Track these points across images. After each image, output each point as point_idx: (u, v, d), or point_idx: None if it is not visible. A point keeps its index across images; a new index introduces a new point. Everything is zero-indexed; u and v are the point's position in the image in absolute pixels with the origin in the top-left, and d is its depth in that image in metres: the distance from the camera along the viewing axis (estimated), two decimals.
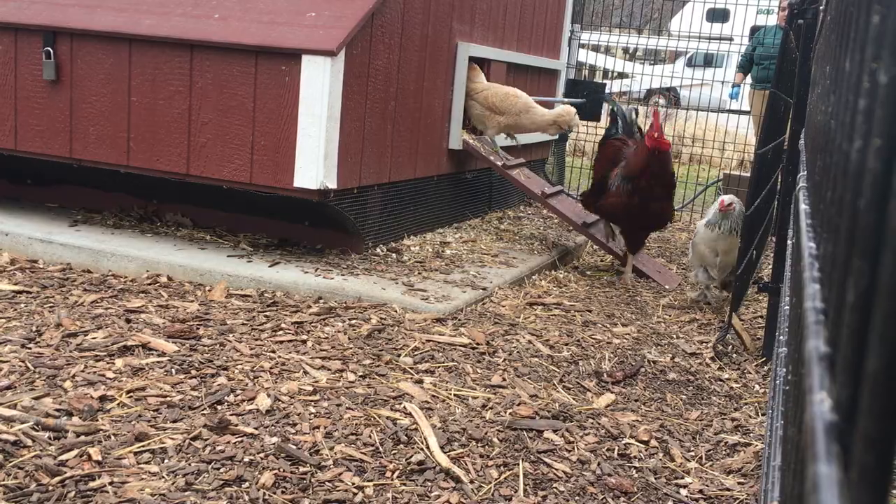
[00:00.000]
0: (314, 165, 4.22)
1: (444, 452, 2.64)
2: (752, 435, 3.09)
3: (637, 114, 5.81)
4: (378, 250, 5.00)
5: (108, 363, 3.09)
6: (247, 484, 2.34)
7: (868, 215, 0.51)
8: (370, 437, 2.70)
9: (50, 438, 2.49)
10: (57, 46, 4.64)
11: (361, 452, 2.59)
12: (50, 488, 2.23)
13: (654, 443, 2.92)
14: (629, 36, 13.78)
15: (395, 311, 3.97)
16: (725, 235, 4.62)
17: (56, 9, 4.69)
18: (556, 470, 2.63)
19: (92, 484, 2.27)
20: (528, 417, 2.98)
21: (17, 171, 5.44)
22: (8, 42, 4.75)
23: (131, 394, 2.85)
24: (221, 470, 2.40)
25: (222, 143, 4.42)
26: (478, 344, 3.68)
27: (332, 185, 4.29)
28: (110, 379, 2.95)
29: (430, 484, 2.46)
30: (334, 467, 2.49)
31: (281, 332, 3.59)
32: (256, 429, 2.66)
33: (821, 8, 3.42)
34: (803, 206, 1.24)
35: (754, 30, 10.30)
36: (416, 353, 3.50)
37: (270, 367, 3.17)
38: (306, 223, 4.97)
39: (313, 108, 4.18)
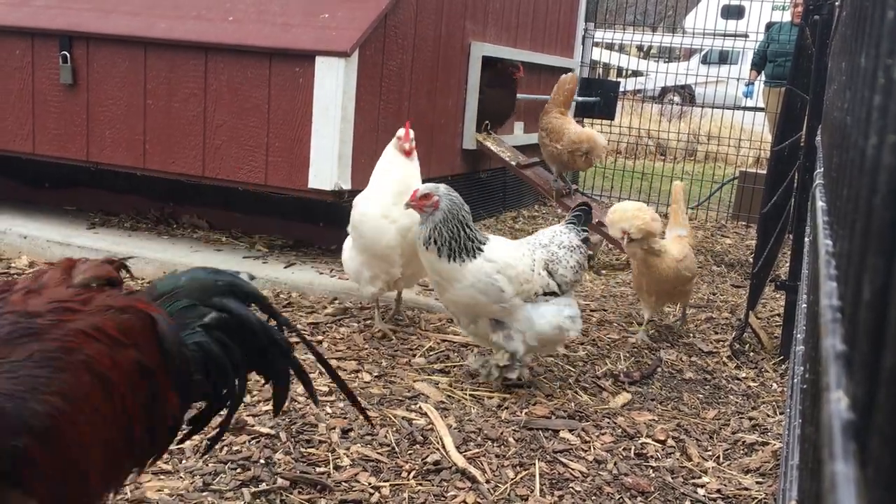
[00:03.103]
0: (328, 166, 4.24)
1: (460, 452, 2.64)
2: (770, 434, 3.07)
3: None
4: None
5: None
6: (264, 484, 2.35)
7: (884, 212, 0.51)
8: (386, 437, 2.70)
9: None
10: (73, 50, 4.68)
11: (377, 453, 2.60)
12: None
13: (670, 442, 2.91)
14: (643, 34, 13.73)
15: (411, 312, 3.97)
16: (423, 251, 2.99)
17: (72, 13, 4.73)
18: (573, 469, 2.63)
19: None
20: (543, 417, 2.97)
21: (35, 174, 5.48)
22: (25, 47, 4.79)
23: None
24: (238, 470, 2.42)
25: (237, 144, 4.43)
26: None
27: (347, 185, 4.30)
28: None
29: (446, 484, 2.46)
30: (351, 467, 2.49)
31: None
32: (273, 429, 2.67)
33: (836, 3, 3.40)
34: (820, 204, 1.23)
35: (769, 26, 10.22)
36: (431, 353, 3.50)
37: None
38: (321, 224, 4.98)
39: (327, 109, 4.19)
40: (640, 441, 2.88)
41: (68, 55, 4.67)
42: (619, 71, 15.88)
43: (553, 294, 3.11)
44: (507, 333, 3.05)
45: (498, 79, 5.79)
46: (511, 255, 3.02)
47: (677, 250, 3.90)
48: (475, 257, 2.94)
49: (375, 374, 3.21)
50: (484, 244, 2.98)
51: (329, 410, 2.86)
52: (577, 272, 3.20)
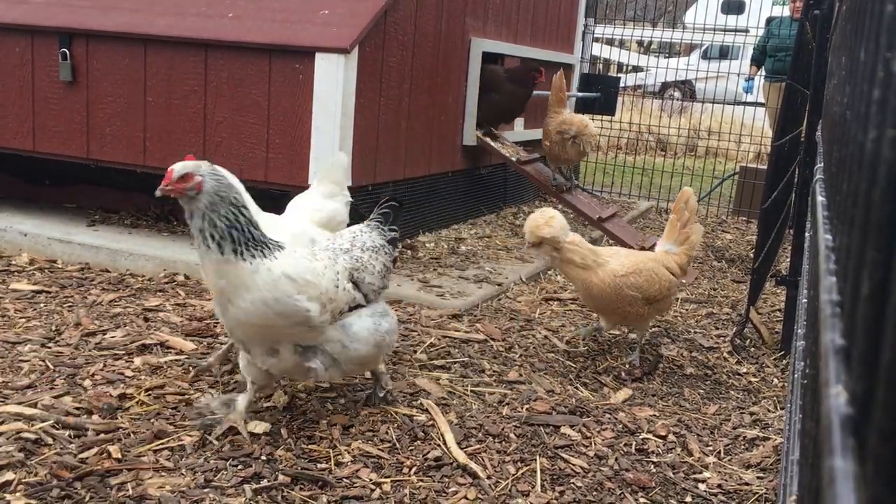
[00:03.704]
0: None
1: (461, 448, 2.64)
2: (770, 429, 3.07)
3: None
4: None
5: (126, 362, 3.11)
6: (265, 481, 2.35)
7: (883, 206, 0.51)
8: (387, 433, 2.70)
9: (70, 436, 2.51)
10: (73, 48, 4.68)
11: (378, 449, 2.60)
12: (70, 485, 2.25)
13: (671, 437, 2.91)
14: (643, 29, 13.71)
15: (411, 308, 3.97)
16: (203, 251, 2.37)
17: (72, 10, 4.73)
18: (574, 465, 2.63)
19: (112, 481, 2.29)
20: (544, 413, 2.98)
21: (35, 171, 5.48)
22: (25, 44, 4.79)
23: (150, 392, 2.87)
24: (240, 467, 2.42)
25: (237, 141, 4.43)
26: (494, 340, 3.68)
27: (347, 182, 4.29)
28: (129, 377, 2.97)
29: (447, 480, 2.47)
30: (352, 464, 2.50)
31: None
32: (274, 425, 2.67)
33: None
34: (820, 199, 1.23)
35: (769, 21, 10.21)
36: (432, 349, 3.50)
37: None
38: None
39: (327, 105, 4.19)
40: (641, 436, 2.88)
41: (68, 52, 4.67)
42: (620, 66, 15.86)
43: (359, 306, 2.68)
44: (320, 358, 2.58)
45: (517, 76, 5.77)
46: (311, 270, 2.50)
47: (620, 264, 3.42)
48: (266, 256, 2.39)
49: None
50: (278, 250, 2.44)
51: (330, 407, 2.86)
52: (384, 277, 2.79)
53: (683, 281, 3.62)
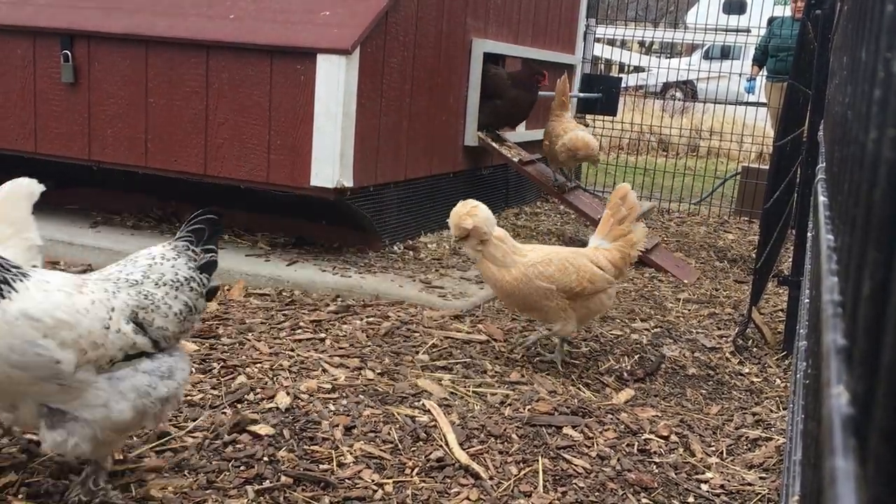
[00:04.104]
0: (330, 164, 4.24)
1: (464, 449, 2.64)
2: (773, 429, 3.07)
3: None
4: (395, 248, 5.00)
5: None
6: (267, 482, 2.36)
7: (883, 206, 0.51)
8: (389, 434, 2.70)
9: None
10: (75, 49, 4.68)
11: (381, 450, 2.60)
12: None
13: (674, 438, 2.91)
14: (645, 29, 13.71)
15: (413, 309, 3.98)
16: None
17: (73, 12, 4.73)
18: (576, 466, 2.63)
19: (114, 482, 2.29)
20: (546, 413, 2.98)
21: (36, 173, 5.48)
22: (26, 46, 4.80)
23: None
24: (242, 468, 2.42)
25: (239, 142, 4.44)
26: (495, 340, 3.68)
27: (349, 183, 4.30)
28: None
29: (449, 481, 2.47)
30: (354, 465, 2.50)
31: (299, 331, 3.60)
32: (276, 426, 2.67)
33: None
34: (822, 198, 1.23)
35: (771, 21, 10.21)
36: (434, 350, 3.50)
37: (289, 366, 3.19)
38: (323, 222, 4.98)
39: (329, 106, 4.19)
40: (643, 437, 2.88)
41: (69, 54, 4.67)
42: (621, 67, 15.85)
43: (143, 354, 2.09)
44: (69, 429, 1.97)
45: (521, 81, 5.77)
46: (67, 306, 1.92)
47: (533, 257, 3.32)
48: (2, 295, 1.83)
49: (379, 371, 3.22)
50: (18, 280, 1.88)
51: (332, 408, 2.86)
52: (185, 320, 2.18)
53: (614, 279, 3.42)
